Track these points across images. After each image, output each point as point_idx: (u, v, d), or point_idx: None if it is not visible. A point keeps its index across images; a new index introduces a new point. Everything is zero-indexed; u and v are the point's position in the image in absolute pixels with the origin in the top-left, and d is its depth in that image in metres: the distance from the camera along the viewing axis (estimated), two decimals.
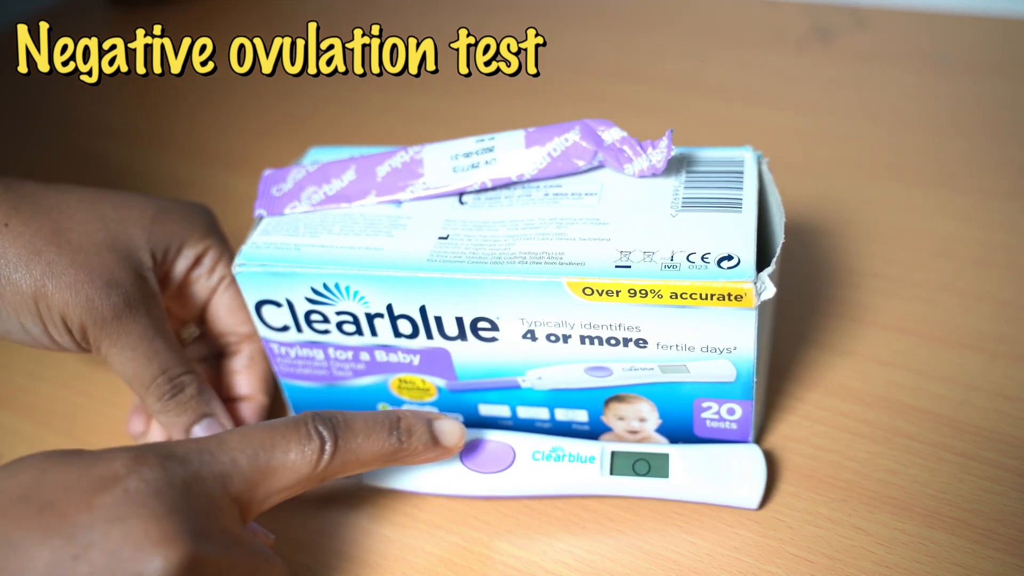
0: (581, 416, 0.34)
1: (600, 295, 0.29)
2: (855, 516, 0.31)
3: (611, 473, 0.32)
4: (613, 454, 0.32)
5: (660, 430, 0.34)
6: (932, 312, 0.39)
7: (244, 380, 0.37)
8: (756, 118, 0.54)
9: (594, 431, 0.34)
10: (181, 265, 0.35)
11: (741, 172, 0.33)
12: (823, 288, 0.41)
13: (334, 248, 0.32)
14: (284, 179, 0.35)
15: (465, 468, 0.33)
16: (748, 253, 0.29)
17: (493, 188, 0.34)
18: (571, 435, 0.35)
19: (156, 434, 0.36)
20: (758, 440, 0.35)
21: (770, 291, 0.28)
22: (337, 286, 0.31)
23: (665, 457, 0.32)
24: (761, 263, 0.29)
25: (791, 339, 0.39)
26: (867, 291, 0.41)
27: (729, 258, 0.29)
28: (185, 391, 0.34)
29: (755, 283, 0.28)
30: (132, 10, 0.84)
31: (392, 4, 0.78)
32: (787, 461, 0.34)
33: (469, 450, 0.33)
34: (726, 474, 0.31)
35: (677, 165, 0.33)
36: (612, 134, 0.33)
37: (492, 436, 0.33)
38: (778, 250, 0.29)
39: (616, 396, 0.33)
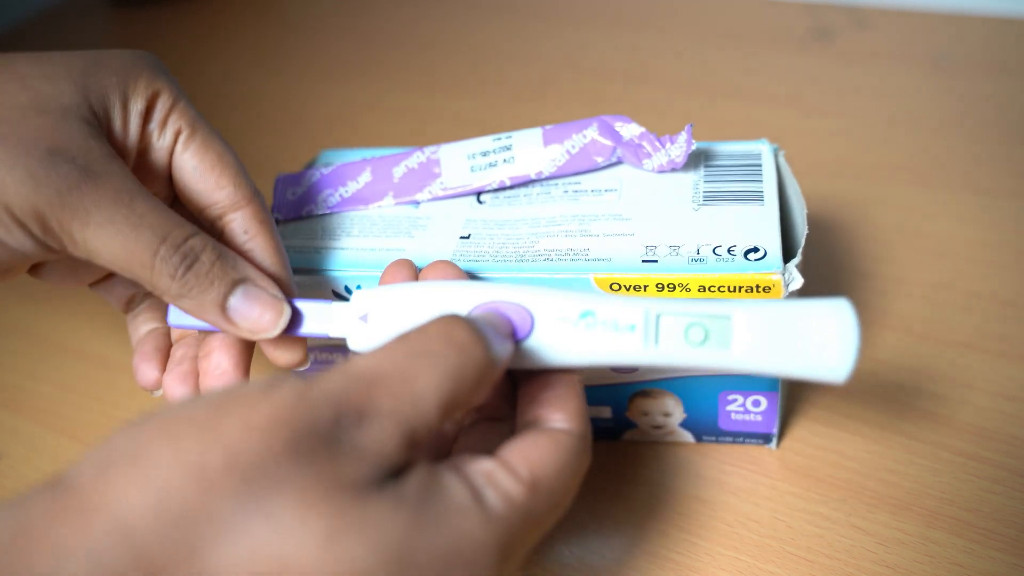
0: (605, 412, 0.34)
1: (627, 290, 0.29)
2: (855, 516, 0.31)
3: (657, 343, 0.25)
4: (660, 318, 0.25)
5: (685, 424, 0.33)
6: (932, 312, 0.39)
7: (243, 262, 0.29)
8: (755, 118, 0.55)
9: (618, 427, 0.34)
10: (133, 123, 0.28)
11: (760, 165, 0.33)
12: (822, 288, 0.41)
13: (355, 250, 0.32)
14: (299, 182, 0.35)
15: None
16: (774, 245, 0.29)
17: (511, 187, 0.34)
18: (594, 432, 0.35)
19: (173, 378, 0.30)
20: (782, 431, 0.34)
21: (798, 282, 0.28)
22: (359, 288, 0.31)
23: (726, 321, 0.24)
24: (783, 255, 0.29)
25: None
26: (867, 291, 0.41)
27: (755, 250, 0.29)
28: (201, 258, 0.26)
29: (783, 274, 0.28)
30: (132, 10, 0.84)
31: (393, 3, 0.78)
32: (787, 461, 0.33)
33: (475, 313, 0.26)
34: (807, 338, 0.24)
35: (694, 160, 0.33)
36: (630, 130, 0.33)
37: (504, 295, 0.26)
38: (802, 241, 0.29)
39: (641, 391, 0.32)
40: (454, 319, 0.23)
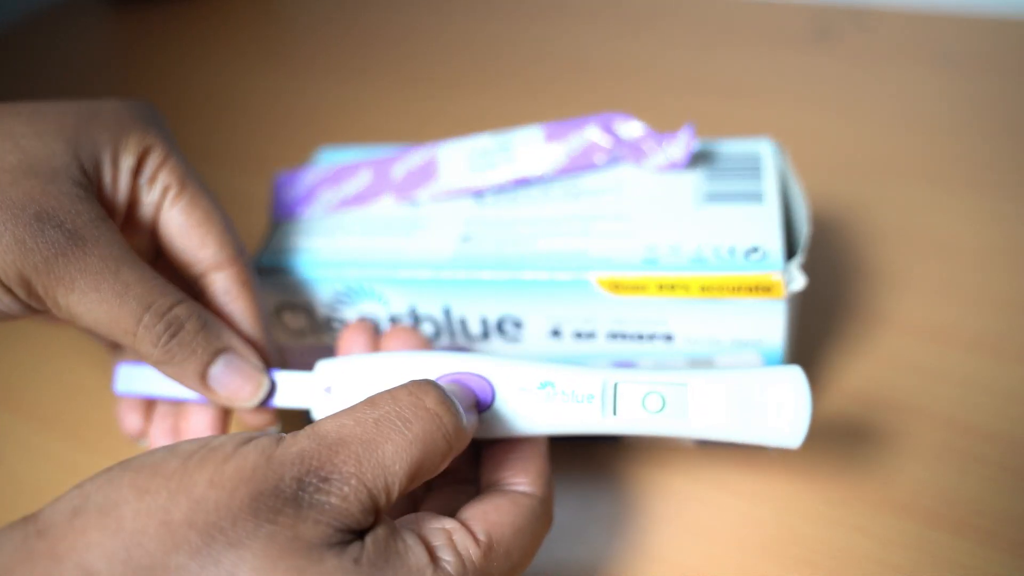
0: None
1: (628, 290, 0.29)
2: (856, 517, 0.31)
3: (615, 413, 0.25)
4: (617, 387, 0.26)
5: None
6: (933, 312, 0.39)
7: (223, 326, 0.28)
8: (756, 117, 0.54)
9: None
10: (123, 179, 0.27)
11: (761, 164, 0.33)
12: (821, 287, 0.41)
13: (355, 250, 0.32)
14: (298, 182, 0.35)
15: None
16: (775, 244, 0.29)
17: (511, 187, 0.33)
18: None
19: (159, 432, 0.30)
20: None
21: (799, 282, 0.28)
22: (360, 288, 0.31)
23: (682, 390, 0.25)
24: (785, 254, 0.29)
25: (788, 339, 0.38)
26: (867, 290, 0.41)
27: (756, 250, 0.29)
28: (185, 326, 0.26)
29: (784, 274, 0.28)
30: (132, 10, 0.83)
31: (392, 2, 0.78)
32: (787, 462, 0.33)
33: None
34: (760, 407, 0.25)
35: (695, 159, 0.33)
36: (631, 128, 0.33)
37: (466, 366, 0.26)
38: (803, 240, 0.29)
39: None
40: (426, 385, 0.23)
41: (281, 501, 0.19)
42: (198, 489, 0.19)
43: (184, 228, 0.28)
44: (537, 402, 0.26)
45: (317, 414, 0.27)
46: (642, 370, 0.26)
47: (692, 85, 0.59)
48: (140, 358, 0.27)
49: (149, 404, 0.31)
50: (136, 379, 0.29)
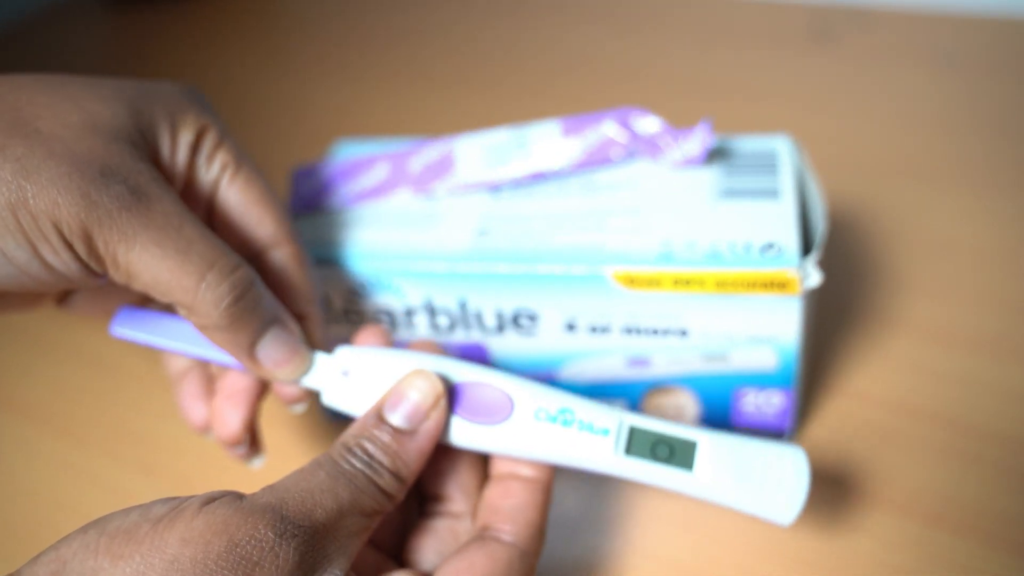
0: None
1: (643, 285, 0.29)
2: (856, 517, 0.31)
3: (626, 453, 0.26)
4: (632, 431, 0.26)
5: (698, 418, 0.34)
6: (933, 312, 0.39)
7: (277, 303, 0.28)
8: (756, 118, 0.55)
9: None
10: (182, 153, 0.27)
11: (778, 160, 0.33)
12: (822, 287, 0.41)
13: (372, 243, 0.32)
14: (315, 176, 0.35)
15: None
16: (791, 240, 0.29)
17: (528, 181, 0.34)
18: None
19: (220, 413, 0.30)
20: (798, 429, 0.35)
21: (815, 278, 0.28)
22: (377, 281, 0.31)
23: (691, 446, 0.26)
24: (802, 250, 0.29)
25: None
26: (867, 291, 0.41)
27: (772, 246, 0.29)
28: (250, 291, 0.26)
29: (799, 270, 0.28)
30: (132, 10, 0.83)
31: (394, 1, 0.78)
32: None
33: (457, 390, 0.27)
34: (761, 480, 0.25)
35: (712, 155, 0.34)
36: (648, 124, 0.33)
37: (488, 379, 0.27)
38: (818, 237, 0.29)
39: (656, 388, 0.33)
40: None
41: (252, 551, 0.20)
42: (171, 549, 0.20)
43: (243, 206, 0.28)
44: (555, 426, 0.26)
45: (327, 397, 0.27)
46: (655, 419, 0.27)
47: (691, 85, 0.59)
48: (194, 320, 0.26)
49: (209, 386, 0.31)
50: (136, 324, 0.29)
